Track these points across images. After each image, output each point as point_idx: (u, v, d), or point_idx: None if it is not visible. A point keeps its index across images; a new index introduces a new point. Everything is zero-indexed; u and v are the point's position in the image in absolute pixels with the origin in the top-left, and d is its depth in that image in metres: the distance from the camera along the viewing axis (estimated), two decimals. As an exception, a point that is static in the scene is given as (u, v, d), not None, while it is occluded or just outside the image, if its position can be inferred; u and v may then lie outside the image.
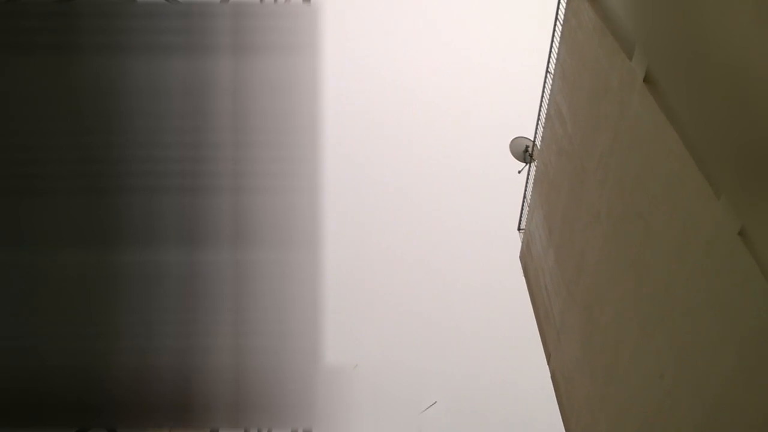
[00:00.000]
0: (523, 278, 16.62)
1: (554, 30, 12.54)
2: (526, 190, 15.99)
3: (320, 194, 6.35)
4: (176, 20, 5.56)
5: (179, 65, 5.43)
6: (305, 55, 5.83)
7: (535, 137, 14.98)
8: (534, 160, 15.45)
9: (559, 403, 13.59)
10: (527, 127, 15.81)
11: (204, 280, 5.55)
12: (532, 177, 15.34)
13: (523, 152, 16.28)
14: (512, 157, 16.67)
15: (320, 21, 5.98)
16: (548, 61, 13.09)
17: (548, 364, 14.29)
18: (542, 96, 13.77)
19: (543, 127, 13.90)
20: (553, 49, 12.77)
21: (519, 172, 16.50)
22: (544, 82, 13.54)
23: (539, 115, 14.16)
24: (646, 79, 8.03)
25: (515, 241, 17.26)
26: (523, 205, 16.49)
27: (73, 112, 5.24)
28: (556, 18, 12.33)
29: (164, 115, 5.42)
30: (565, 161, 12.34)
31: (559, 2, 12.11)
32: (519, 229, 17.08)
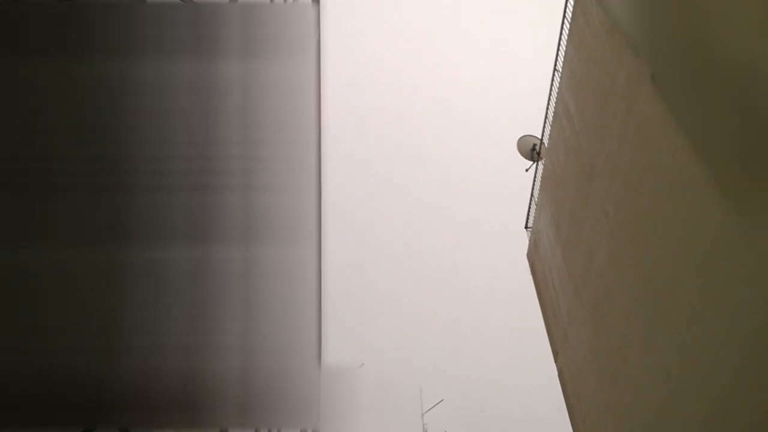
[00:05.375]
0: (531, 277, 16.59)
1: (562, 28, 12.51)
2: (533, 189, 15.96)
3: (326, 193, 6.37)
4: (183, 20, 5.59)
5: (187, 64, 5.46)
6: (312, 55, 5.85)
7: (542, 135, 14.94)
8: (542, 159, 15.42)
9: (566, 402, 13.58)
10: (535, 126, 15.80)
11: (211, 278, 5.58)
12: (539, 175, 15.31)
13: (531, 150, 16.25)
14: (520, 155, 16.64)
15: (326, 21, 6.00)
16: (556, 60, 13.07)
17: (555, 362, 14.28)
18: (550, 94, 13.74)
19: (551, 126, 13.87)
20: (560, 48, 12.74)
21: (527, 170, 16.48)
22: (552, 80, 13.51)
23: (547, 113, 14.14)
24: (653, 78, 8.01)
25: (523, 240, 17.24)
26: (530, 204, 16.45)
27: (82, 110, 5.27)
28: (564, 16, 12.31)
29: (172, 113, 5.45)
30: (572, 159, 12.31)
31: (567, 0, 12.08)
32: (526, 227, 17.05)
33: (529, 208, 16.59)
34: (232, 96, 5.63)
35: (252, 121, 5.72)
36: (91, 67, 5.25)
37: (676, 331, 7.63)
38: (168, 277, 5.35)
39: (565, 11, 12.23)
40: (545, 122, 14.45)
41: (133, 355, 5.17)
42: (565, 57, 12.50)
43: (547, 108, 14.01)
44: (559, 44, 12.79)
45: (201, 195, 5.50)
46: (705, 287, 6.89)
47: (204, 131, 5.55)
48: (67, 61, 5.21)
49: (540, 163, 15.53)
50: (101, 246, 5.19)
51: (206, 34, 5.58)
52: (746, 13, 5.95)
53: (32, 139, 5.13)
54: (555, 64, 13.18)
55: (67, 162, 5.18)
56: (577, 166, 11.91)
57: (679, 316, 7.53)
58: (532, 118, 16.58)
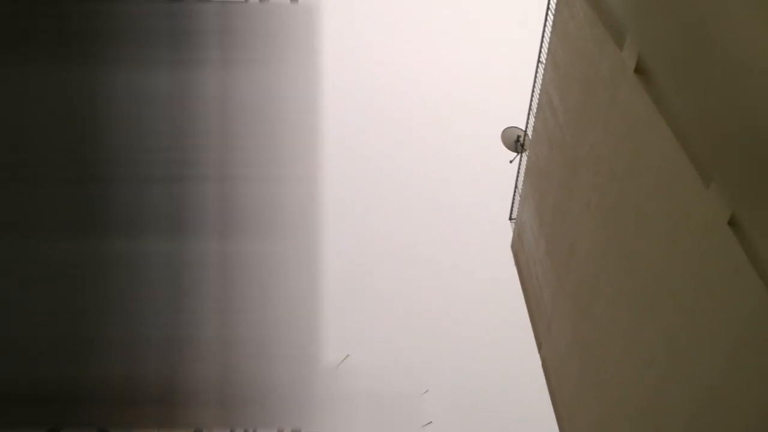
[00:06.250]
0: (515, 268, 16.64)
1: (546, 20, 12.50)
2: (517, 180, 15.99)
3: (313, 185, 6.32)
4: (164, 14, 5.51)
5: (170, 58, 5.39)
6: (299, 52, 5.79)
7: (526, 127, 14.96)
8: (525, 150, 15.43)
9: (550, 392, 13.65)
10: (519, 117, 15.79)
11: (193, 271, 5.51)
12: (523, 167, 15.34)
13: (515, 142, 16.24)
14: (504, 147, 16.63)
15: (313, 18, 5.95)
16: (540, 52, 13.07)
17: (539, 352, 14.35)
18: (534, 86, 13.74)
19: (534, 117, 13.88)
20: (544, 40, 12.73)
21: (510, 162, 16.47)
22: (536, 72, 13.51)
23: (531, 105, 14.15)
24: (637, 70, 8.03)
25: (507, 231, 17.28)
26: (514, 195, 16.48)
27: (61, 103, 5.19)
28: (548, 8, 12.30)
29: (154, 108, 5.37)
30: (556, 151, 12.34)
31: (550, -8, 12.08)
32: (510, 219, 17.09)
33: (513, 199, 16.62)
34: (219, 93, 5.57)
35: (240, 115, 5.65)
36: (71, 62, 5.16)
37: (661, 322, 7.67)
38: (151, 271, 5.28)
39: (548, 3, 12.22)
40: (529, 114, 14.46)
41: (111, 349, 5.10)
42: (549, 49, 12.50)
43: (531, 100, 14.02)
44: (543, 36, 12.79)
45: (184, 186, 5.44)
46: (690, 278, 6.92)
47: (187, 124, 5.48)
48: (45, 55, 5.11)
49: (524, 154, 15.54)
50: (79, 237, 5.11)
51: (188, 30, 5.51)
52: (735, 1, 5.97)
53: (9, 132, 5.04)
54: (539, 56, 13.18)
55: (42, 152, 5.09)
56: (561, 157, 11.93)
57: (664, 307, 7.56)
58: (516, 109, 16.58)
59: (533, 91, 13.80)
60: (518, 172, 15.81)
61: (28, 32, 5.10)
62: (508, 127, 16.49)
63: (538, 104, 13.55)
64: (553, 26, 12.11)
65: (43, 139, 5.15)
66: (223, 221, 5.60)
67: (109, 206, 5.29)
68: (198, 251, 5.58)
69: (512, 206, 16.84)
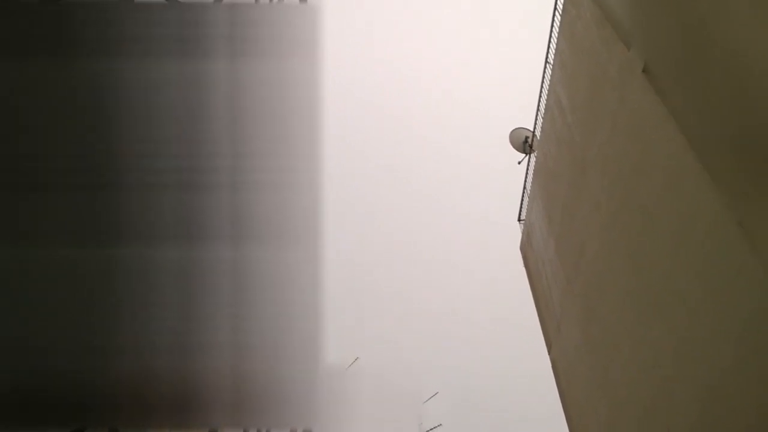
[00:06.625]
0: (524, 269, 16.63)
1: (553, 20, 12.50)
2: (526, 181, 15.98)
3: (319, 190, 6.34)
4: (172, 19, 5.54)
5: (177, 62, 5.43)
6: (304, 53, 5.82)
7: (534, 128, 14.95)
8: (534, 151, 15.42)
9: (559, 393, 13.64)
10: (527, 118, 15.79)
11: (203, 278, 5.55)
12: (532, 168, 15.33)
13: (523, 143, 16.23)
14: (512, 147, 16.63)
15: (319, 19, 5.97)
16: (547, 52, 13.06)
17: (549, 353, 14.33)
18: (542, 86, 13.73)
19: (542, 118, 13.87)
20: (552, 40, 12.73)
21: (519, 162, 16.47)
22: (544, 72, 13.50)
23: (539, 105, 14.14)
24: (645, 69, 8.01)
25: (516, 232, 17.27)
26: (523, 196, 16.47)
27: (71, 109, 5.23)
28: (555, 8, 12.29)
29: (162, 111, 5.41)
30: (564, 151, 12.33)
31: (558, -8, 12.07)
32: (519, 220, 17.07)
33: (522, 200, 16.61)
34: (226, 95, 5.60)
35: (244, 119, 5.68)
36: (79, 66, 5.21)
37: (668, 322, 7.65)
38: (160, 276, 5.32)
39: (556, 3, 12.22)
40: (537, 115, 14.45)
41: (125, 353, 5.15)
42: (556, 49, 12.50)
43: (539, 100, 14.01)
44: (550, 36, 12.79)
45: (194, 193, 5.48)
46: (698, 278, 6.90)
47: (195, 130, 5.52)
48: (55, 61, 5.16)
49: (532, 155, 15.53)
50: (92, 245, 5.16)
51: (196, 34, 5.55)
52: (738, 2, 5.96)
53: (20, 139, 5.09)
54: (546, 57, 13.17)
55: (54, 160, 5.14)
56: (570, 158, 11.92)
57: (671, 308, 7.55)
58: (524, 110, 16.57)
59: (541, 91, 13.79)
60: (527, 172, 15.80)
61: (34, 34, 5.15)
62: (516, 128, 16.49)
63: (546, 105, 13.54)
64: (561, 26, 12.11)
65: (52, 147, 5.20)
66: (226, 227, 5.63)
67: (119, 213, 5.34)
68: (206, 257, 5.62)
69: (521, 207, 16.82)
